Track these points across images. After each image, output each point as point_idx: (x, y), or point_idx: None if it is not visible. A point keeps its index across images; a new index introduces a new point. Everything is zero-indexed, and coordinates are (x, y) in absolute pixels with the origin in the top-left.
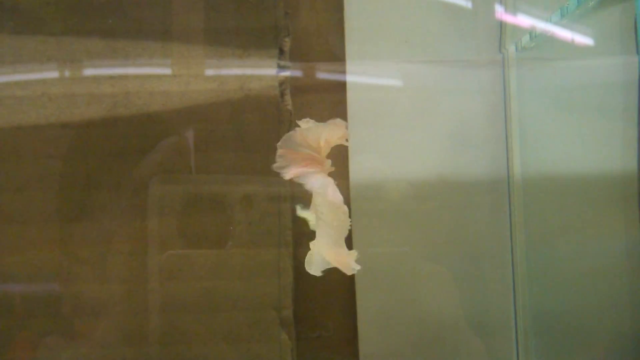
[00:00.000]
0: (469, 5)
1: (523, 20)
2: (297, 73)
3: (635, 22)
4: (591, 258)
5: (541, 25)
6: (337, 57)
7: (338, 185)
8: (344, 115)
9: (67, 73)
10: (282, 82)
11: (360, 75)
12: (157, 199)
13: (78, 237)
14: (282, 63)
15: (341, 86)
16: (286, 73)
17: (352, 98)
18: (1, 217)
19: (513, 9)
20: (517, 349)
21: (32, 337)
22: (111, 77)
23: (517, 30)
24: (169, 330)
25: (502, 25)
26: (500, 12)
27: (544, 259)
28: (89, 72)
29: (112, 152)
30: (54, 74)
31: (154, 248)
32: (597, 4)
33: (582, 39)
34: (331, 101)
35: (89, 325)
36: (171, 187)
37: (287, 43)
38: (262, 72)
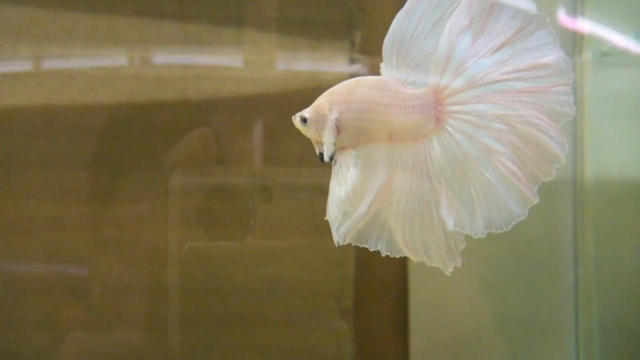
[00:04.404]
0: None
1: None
2: (367, 67)
3: None
4: None
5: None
6: None
7: None
8: None
9: (138, 54)
10: (353, 75)
11: None
12: (178, 191)
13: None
14: (353, 56)
15: None
16: (357, 66)
17: None
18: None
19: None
20: (577, 353)
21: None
22: (183, 61)
23: (595, 36)
24: (228, 315)
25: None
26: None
27: (610, 262)
28: (160, 54)
29: (179, 136)
30: (125, 55)
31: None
32: None
33: None
34: None
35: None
36: (192, 179)
37: (358, 36)
38: (334, 63)
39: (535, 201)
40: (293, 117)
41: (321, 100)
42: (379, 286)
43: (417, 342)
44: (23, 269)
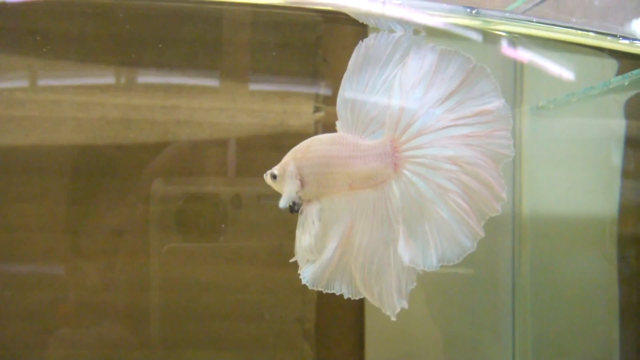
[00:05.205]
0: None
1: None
2: (330, 115)
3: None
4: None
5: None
6: None
7: None
8: None
9: (123, 100)
10: (317, 121)
11: None
12: (158, 199)
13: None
14: (318, 105)
15: None
16: (321, 114)
17: None
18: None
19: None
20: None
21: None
22: (164, 107)
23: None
24: (203, 337)
25: (516, 83)
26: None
27: (543, 285)
28: (144, 101)
29: (161, 173)
30: (111, 101)
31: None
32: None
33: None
34: None
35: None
36: (170, 188)
37: (323, 86)
38: (300, 111)
39: (482, 235)
40: (264, 174)
41: (286, 159)
42: (338, 310)
43: (373, 358)
44: (17, 293)
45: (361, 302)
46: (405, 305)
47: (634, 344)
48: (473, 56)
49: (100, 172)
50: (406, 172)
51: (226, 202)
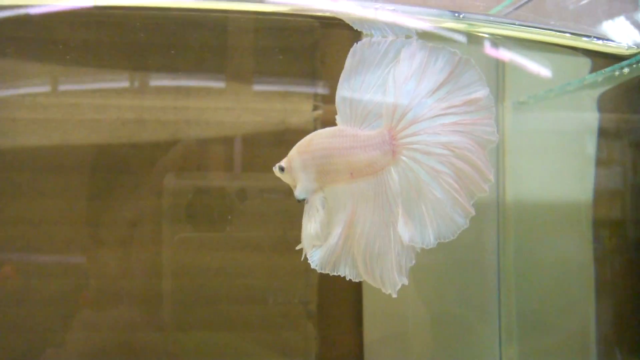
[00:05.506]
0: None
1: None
2: (328, 112)
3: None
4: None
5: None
6: None
7: None
8: None
9: (137, 102)
10: (316, 118)
11: None
12: (170, 193)
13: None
14: (316, 103)
15: None
16: (319, 111)
17: None
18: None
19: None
20: (499, 340)
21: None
22: (175, 108)
23: (513, 89)
24: (214, 318)
25: (498, 81)
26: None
27: (526, 267)
28: (156, 102)
29: (172, 169)
30: (127, 102)
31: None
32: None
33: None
34: None
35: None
36: (180, 183)
37: (321, 86)
38: (300, 109)
39: (473, 213)
40: (273, 167)
41: (292, 153)
42: (338, 292)
43: (370, 336)
44: (42, 281)
45: (359, 284)
46: (405, 282)
47: (609, 318)
48: None
49: (116, 169)
50: (403, 158)
51: (232, 195)
